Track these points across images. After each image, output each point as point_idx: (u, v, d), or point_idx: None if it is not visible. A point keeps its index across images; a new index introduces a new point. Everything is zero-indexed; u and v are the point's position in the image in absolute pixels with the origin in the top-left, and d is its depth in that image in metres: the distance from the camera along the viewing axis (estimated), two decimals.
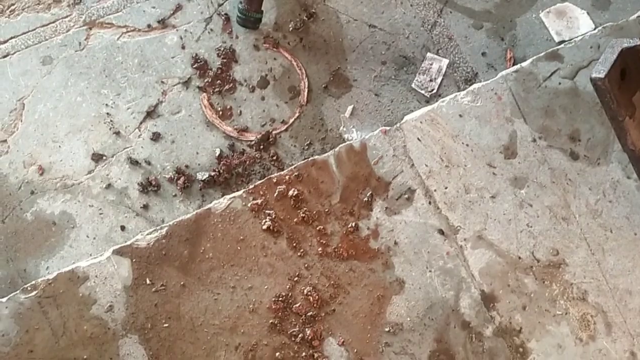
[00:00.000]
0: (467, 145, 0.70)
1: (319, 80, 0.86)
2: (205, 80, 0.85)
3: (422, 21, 0.88)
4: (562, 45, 0.74)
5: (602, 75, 0.54)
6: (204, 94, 0.84)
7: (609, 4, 0.88)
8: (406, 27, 0.88)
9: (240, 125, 0.83)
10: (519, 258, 0.66)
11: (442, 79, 0.86)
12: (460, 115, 0.71)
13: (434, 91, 0.85)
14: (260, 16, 0.86)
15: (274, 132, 0.83)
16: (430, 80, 0.86)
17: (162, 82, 0.84)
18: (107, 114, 0.82)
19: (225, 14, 0.87)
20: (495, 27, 0.88)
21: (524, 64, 0.73)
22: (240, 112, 0.84)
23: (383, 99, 0.85)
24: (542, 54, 0.74)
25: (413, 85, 0.86)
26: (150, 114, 0.83)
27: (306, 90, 0.85)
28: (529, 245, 0.67)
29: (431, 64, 0.87)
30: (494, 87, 0.72)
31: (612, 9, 0.87)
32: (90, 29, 0.86)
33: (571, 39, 0.82)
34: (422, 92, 0.85)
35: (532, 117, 0.71)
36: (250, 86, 0.85)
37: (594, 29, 0.77)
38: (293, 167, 0.70)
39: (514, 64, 0.83)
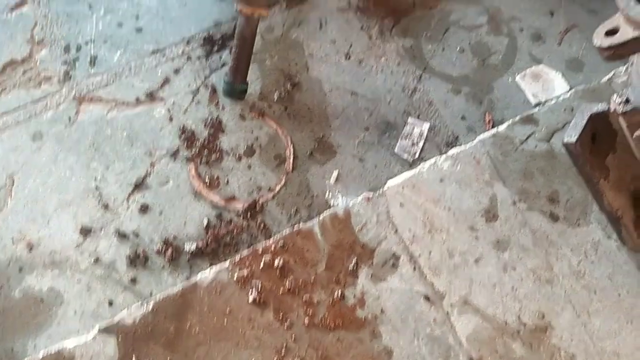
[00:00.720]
0: (449, 209, 0.71)
1: (304, 147, 0.88)
2: (193, 151, 0.87)
3: (402, 87, 0.91)
4: (537, 109, 0.77)
5: (573, 140, 0.56)
6: (192, 164, 0.86)
7: (582, 66, 0.91)
8: (387, 93, 0.91)
9: (228, 194, 0.85)
10: (506, 323, 0.67)
11: (424, 143, 0.88)
12: (441, 180, 0.73)
13: (417, 155, 0.87)
14: (246, 87, 0.88)
15: (260, 200, 0.84)
16: (413, 145, 0.88)
17: (150, 154, 0.86)
18: (96, 187, 0.84)
19: (212, 86, 0.90)
20: (473, 91, 0.90)
21: (500, 129, 0.76)
22: (228, 181, 0.85)
23: (367, 164, 0.87)
24: (518, 118, 0.76)
25: (396, 150, 0.88)
26: (139, 186, 0.84)
27: (292, 157, 0.87)
28: (514, 309, 0.67)
29: (413, 129, 0.89)
30: (472, 152, 0.74)
31: (585, 70, 0.91)
32: (80, 104, 0.89)
33: (547, 101, 0.85)
34: (405, 156, 0.87)
35: (511, 180, 0.72)
36: (237, 155, 0.87)
37: (568, 91, 0.79)
38: (278, 236, 0.71)
39: (493, 127, 0.86)
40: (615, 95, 0.49)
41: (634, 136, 0.49)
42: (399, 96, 0.91)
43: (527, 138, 0.75)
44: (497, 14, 0.95)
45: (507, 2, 0.95)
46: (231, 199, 0.84)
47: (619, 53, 0.46)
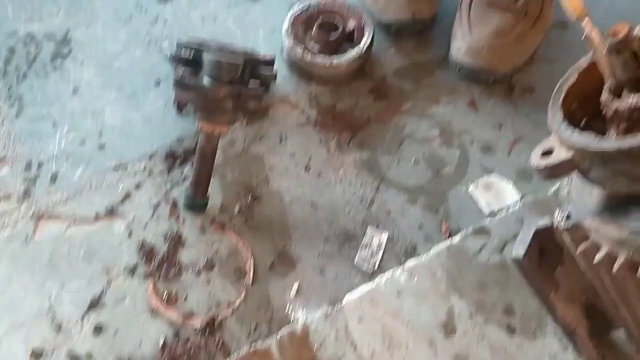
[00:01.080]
0: (408, 323, 0.72)
1: (264, 260, 0.88)
2: (152, 266, 0.86)
3: (360, 198, 0.93)
4: (488, 221, 0.79)
5: (521, 255, 0.57)
6: (150, 280, 0.85)
7: (531, 175, 0.95)
8: (346, 204, 0.93)
9: (186, 310, 0.84)
10: None
11: (383, 253, 0.89)
12: (399, 294, 0.73)
13: (376, 266, 0.88)
14: (207, 201, 0.89)
15: (219, 316, 0.83)
16: (372, 255, 0.89)
17: (108, 270, 0.85)
18: (50, 307, 0.82)
19: (173, 200, 0.91)
20: (429, 201, 0.93)
21: (454, 240, 0.78)
22: (186, 296, 0.85)
23: (328, 275, 0.87)
24: (470, 229, 0.78)
25: (356, 261, 0.88)
26: (94, 304, 0.83)
27: (252, 270, 0.87)
28: None
29: (372, 239, 0.90)
30: (428, 264, 0.75)
31: (535, 178, 0.94)
32: (38, 221, 0.89)
33: (499, 211, 0.88)
34: (365, 267, 0.88)
35: (467, 292, 0.73)
36: (197, 269, 0.87)
37: (518, 202, 0.82)
38: (234, 357, 0.70)
39: (449, 236, 0.88)
40: (557, 211, 0.51)
41: (577, 252, 0.51)
42: (357, 207, 0.93)
43: (480, 249, 0.76)
44: (448, 127, 0.99)
45: (457, 117, 1.00)
46: (189, 315, 0.83)
47: (554, 173, 0.48)
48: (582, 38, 0.48)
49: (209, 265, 0.87)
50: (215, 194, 0.92)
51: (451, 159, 0.97)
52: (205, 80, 0.84)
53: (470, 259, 0.75)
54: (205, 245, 0.88)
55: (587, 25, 0.47)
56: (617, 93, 0.46)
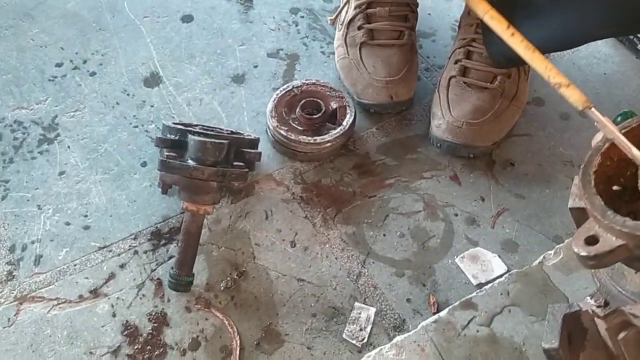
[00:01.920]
0: None
1: (250, 337, 0.87)
2: (135, 347, 0.84)
3: (347, 272, 0.93)
4: (475, 294, 0.79)
5: (556, 346, 0.54)
6: None
7: (517, 246, 0.96)
8: (333, 279, 0.93)
9: None
10: None
11: (372, 327, 0.88)
12: None
13: (365, 340, 0.86)
14: (192, 279, 0.89)
15: None
16: (360, 330, 0.88)
17: (91, 352, 0.83)
18: None
19: (158, 279, 0.91)
20: (416, 274, 0.93)
21: (441, 314, 0.77)
22: None
23: (316, 352, 0.86)
24: (457, 303, 0.78)
25: (344, 336, 0.87)
26: None
27: (238, 348, 0.85)
28: None
29: (360, 313, 0.89)
30: (416, 339, 0.74)
31: (520, 250, 0.95)
32: (21, 304, 0.87)
33: (486, 283, 0.88)
34: (353, 342, 0.86)
35: None
36: (181, 349, 0.85)
37: (503, 274, 0.83)
38: None
39: (437, 309, 0.87)
40: (588, 298, 0.50)
41: (619, 338, 0.50)
42: (344, 281, 0.92)
43: (468, 323, 0.76)
44: (432, 200, 1.01)
45: (441, 190, 1.02)
46: None
47: (605, 262, 0.45)
48: (595, 124, 0.50)
49: (194, 345, 0.85)
50: (200, 271, 0.92)
51: (436, 232, 0.98)
52: (190, 162, 0.85)
53: (459, 332, 0.74)
54: (190, 324, 0.87)
55: (596, 114, 0.49)
56: None
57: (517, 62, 1.03)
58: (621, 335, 0.46)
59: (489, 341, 0.72)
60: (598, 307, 0.47)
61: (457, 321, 0.75)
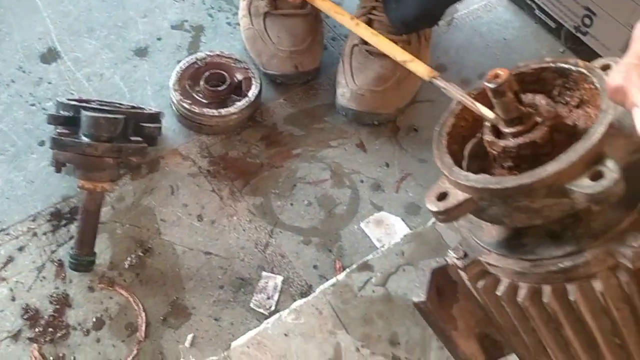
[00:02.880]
0: None
1: (157, 313, 0.86)
2: (37, 330, 0.83)
3: (255, 243, 0.94)
4: (371, 256, 0.81)
5: (423, 299, 0.57)
6: (34, 345, 0.81)
7: (419, 209, 0.98)
8: (240, 250, 0.93)
9: None
10: None
11: (279, 295, 0.89)
12: (286, 335, 0.73)
13: (272, 308, 0.88)
14: (93, 259, 0.87)
15: None
16: (268, 298, 0.89)
17: None
18: None
19: (59, 260, 0.89)
20: (322, 241, 0.95)
21: (339, 277, 0.79)
22: (74, 358, 0.81)
23: (223, 322, 0.86)
24: (355, 265, 0.80)
25: (252, 305, 0.88)
26: None
27: (144, 325, 0.85)
28: None
29: (267, 282, 0.90)
30: (314, 303, 0.76)
31: (422, 212, 0.98)
32: None
33: (382, 246, 0.90)
34: (261, 310, 0.88)
35: (352, 327, 0.74)
36: (85, 329, 0.84)
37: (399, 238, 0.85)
38: None
39: None
40: (450, 251, 0.52)
41: (478, 287, 0.52)
42: (252, 252, 0.93)
43: (364, 284, 0.78)
44: (339, 168, 1.02)
45: (347, 158, 1.04)
46: None
47: (454, 215, 0.47)
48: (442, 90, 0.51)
49: (99, 324, 0.85)
50: (104, 250, 0.90)
51: (343, 199, 0.99)
52: (84, 138, 0.83)
53: (355, 294, 0.77)
54: (93, 304, 0.86)
55: (441, 82, 0.51)
56: (497, 133, 0.48)
57: (416, 27, 1.05)
58: (480, 283, 0.49)
59: (384, 300, 0.75)
60: (458, 259, 0.49)
61: (354, 283, 0.78)
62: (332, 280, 0.78)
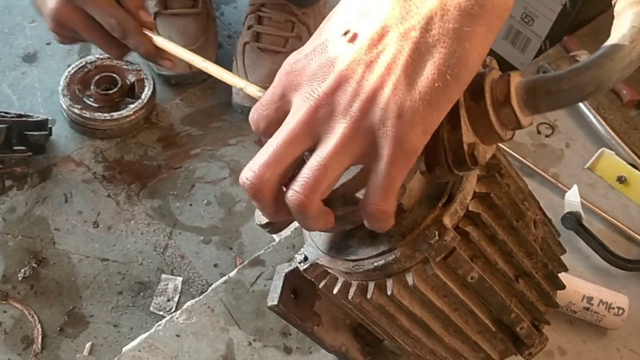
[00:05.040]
0: None
1: (53, 324, 0.85)
2: None
3: (153, 246, 0.94)
4: (262, 251, 0.83)
5: (275, 302, 0.59)
6: None
7: None
8: (139, 255, 0.93)
9: None
10: None
11: (180, 297, 0.90)
12: (178, 335, 0.74)
13: (172, 310, 0.88)
14: None
15: None
16: (168, 300, 0.89)
17: None
18: None
19: None
20: (223, 239, 0.96)
21: (231, 274, 0.80)
22: None
23: (122, 328, 0.86)
24: (246, 261, 0.82)
25: (152, 309, 0.88)
26: None
27: (40, 337, 0.84)
28: None
29: (167, 285, 0.91)
30: (206, 302, 0.77)
31: None
32: None
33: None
34: (161, 313, 0.88)
35: (244, 322, 0.76)
36: None
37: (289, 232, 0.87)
38: None
39: None
40: (296, 254, 0.54)
41: (320, 287, 0.54)
42: (151, 255, 0.93)
43: (256, 279, 0.80)
44: (238, 166, 1.03)
45: (246, 155, 1.05)
46: None
47: (277, 227, 0.50)
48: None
49: None
50: None
51: (242, 196, 1.00)
52: None
53: (247, 289, 0.78)
54: None
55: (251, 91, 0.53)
56: None
57: (311, 1, 1.06)
58: (322, 283, 0.51)
59: None
60: (299, 262, 0.51)
61: (245, 279, 0.79)
62: (224, 278, 0.79)
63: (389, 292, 0.50)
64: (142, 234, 0.95)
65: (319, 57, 0.39)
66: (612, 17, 0.47)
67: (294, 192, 0.39)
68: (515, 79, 0.46)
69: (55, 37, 0.69)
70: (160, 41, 0.73)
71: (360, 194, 0.44)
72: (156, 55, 0.68)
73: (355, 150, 0.38)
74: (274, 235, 0.95)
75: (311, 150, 0.40)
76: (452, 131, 0.43)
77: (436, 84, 0.36)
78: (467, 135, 0.44)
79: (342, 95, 0.37)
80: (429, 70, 0.36)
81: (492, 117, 0.44)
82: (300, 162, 0.41)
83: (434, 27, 0.36)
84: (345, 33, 0.39)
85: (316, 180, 0.38)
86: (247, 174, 0.40)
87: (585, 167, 0.92)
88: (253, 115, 0.42)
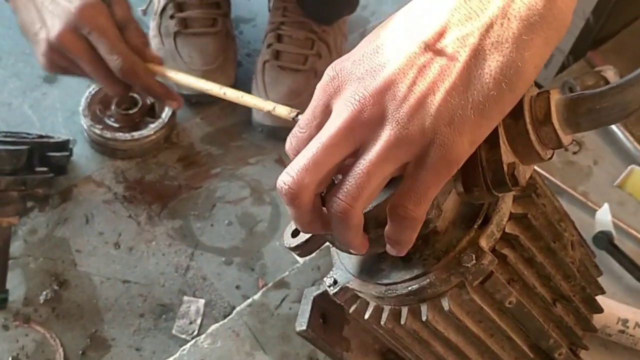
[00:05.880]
0: None
1: (75, 347, 0.84)
2: None
3: (175, 267, 0.93)
4: (287, 273, 0.82)
5: (304, 327, 0.58)
6: None
7: None
8: (160, 276, 0.92)
9: None
10: None
11: (202, 319, 0.88)
12: None
13: (195, 333, 0.87)
14: (6, 296, 0.85)
15: None
16: (190, 323, 0.88)
17: None
18: None
19: None
20: (244, 260, 0.94)
21: (255, 297, 0.79)
22: None
23: (145, 352, 0.85)
24: (270, 284, 0.80)
25: (174, 332, 0.87)
26: None
27: None
28: None
29: (189, 307, 0.90)
30: (230, 325, 0.76)
31: None
32: None
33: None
34: (184, 336, 0.87)
35: (270, 346, 0.74)
36: None
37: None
38: None
39: None
40: (325, 278, 0.53)
41: (350, 312, 0.53)
42: (172, 277, 0.92)
43: (281, 302, 0.78)
44: (258, 185, 1.02)
45: (266, 174, 1.04)
46: None
47: (309, 250, 0.49)
48: None
49: None
50: (17, 286, 0.88)
51: (264, 216, 0.99)
52: None
53: (272, 313, 0.77)
54: (9, 343, 0.83)
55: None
56: None
57: (332, 18, 1.06)
58: (352, 308, 0.50)
59: None
60: (329, 286, 0.50)
61: (270, 302, 0.78)
62: (249, 301, 0.78)
63: (423, 318, 0.48)
64: (163, 254, 0.94)
65: (368, 62, 0.37)
66: (637, 31, 0.45)
67: (337, 199, 0.37)
68: (555, 96, 0.44)
69: (44, 63, 0.66)
70: (173, 75, 0.73)
71: None
72: (165, 97, 0.67)
73: (400, 157, 0.36)
74: (298, 258, 0.94)
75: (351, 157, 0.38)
76: (491, 150, 0.42)
77: (491, 93, 0.35)
78: (507, 155, 0.43)
79: (390, 99, 0.35)
80: (485, 78, 0.35)
81: (532, 136, 0.43)
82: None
83: (493, 34, 0.35)
84: (403, 35, 0.37)
85: (359, 188, 0.36)
86: (285, 178, 0.37)
87: (615, 184, 0.90)
88: (291, 143, 0.40)
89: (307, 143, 0.38)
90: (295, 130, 0.40)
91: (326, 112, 0.38)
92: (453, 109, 0.35)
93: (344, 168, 0.38)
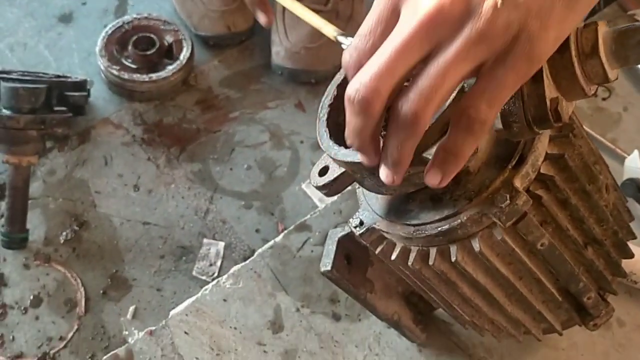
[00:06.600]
0: (235, 328, 0.71)
1: (96, 287, 0.85)
2: None
3: (195, 210, 0.93)
4: (309, 216, 0.81)
5: (329, 268, 0.57)
6: None
7: None
8: (180, 219, 0.92)
9: (14, 352, 0.79)
10: None
11: (222, 262, 0.88)
12: (225, 300, 0.73)
13: (215, 274, 0.87)
14: (26, 235, 0.85)
15: (51, 352, 0.79)
16: (210, 265, 0.88)
17: None
18: None
19: None
20: (264, 204, 0.94)
21: (277, 239, 0.78)
22: (13, 337, 0.80)
23: (165, 292, 0.86)
24: (292, 227, 0.80)
25: (194, 273, 0.87)
26: None
27: (83, 299, 0.84)
28: None
29: (209, 249, 0.90)
30: (252, 266, 0.75)
31: None
32: None
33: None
34: (204, 277, 0.87)
35: (292, 287, 0.74)
36: (23, 308, 0.82)
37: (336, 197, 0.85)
38: None
39: None
40: (351, 220, 0.52)
41: (377, 253, 0.52)
42: (192, 219, 0.92)
43: (303, 245, 0.78)
44: (278, 130, 1.01)
45: (286, 119, 1.02)
46: (18, 357, 0.78)
47: (336, 189, 0.48)
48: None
49: (36, 302, 0.83)
50: (37, 226, 0.88)
51: (283, 160, 0.98)
52: (4, 111, 0.80)
53: (294, 255, 0.76)
54: (30, 282, 0.84)
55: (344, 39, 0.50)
56: None
57: None
58: (378, 249, 0.49)
59: None
60: (355, 227, 0.49)
61: (292, 244, 0.77)
62: (270, 243, 0.77)
63: (452, 259, 0.47)
64: (182, 197, 0.93)
65: None
66: None
67: (407, 100, 0.33)
68: (603, 28, 0.42)
69: None
70: None
71: (428, 154, 0.41)
72: (259, 4, 0.63)
73: (479, 55, 0.33)
74: (318, 202, 0.93)
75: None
76: (533, 84, 0.40)
77: None
78: (550, 90, 0.41)
79: None
80: None
81: (577, 69, 0.41)
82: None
83: None
84: None
85: (432, 89, 0.33)
86: (356, 85, 0.34)
87: None
88: (351, 55, 0.37)
89: (371, 53, 0.35)
90: (355, 42, 0.36)
91: (394, 16, 0.35)
92: (540, 1, 0.32)
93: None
